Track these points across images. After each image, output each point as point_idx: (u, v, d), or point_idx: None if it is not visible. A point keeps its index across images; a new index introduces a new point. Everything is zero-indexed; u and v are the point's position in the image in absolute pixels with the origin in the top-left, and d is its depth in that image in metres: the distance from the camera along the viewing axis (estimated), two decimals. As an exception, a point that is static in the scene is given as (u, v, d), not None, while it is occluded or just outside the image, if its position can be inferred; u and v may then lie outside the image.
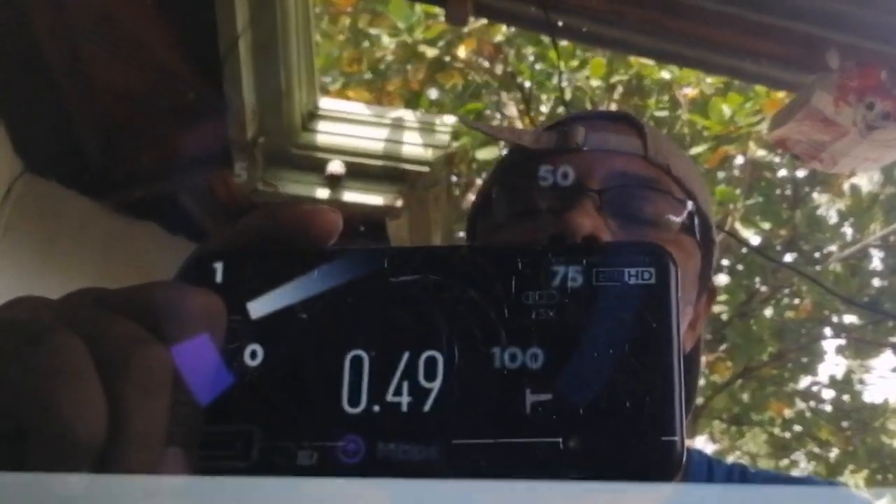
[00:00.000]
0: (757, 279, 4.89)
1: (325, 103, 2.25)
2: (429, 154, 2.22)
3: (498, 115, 4.43)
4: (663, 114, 4.17)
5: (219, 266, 0.27)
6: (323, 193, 2.13)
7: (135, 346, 0.23)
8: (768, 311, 5.00)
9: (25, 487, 0.21)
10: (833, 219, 4.86)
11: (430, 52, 3.89)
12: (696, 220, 0.58)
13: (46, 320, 0.24)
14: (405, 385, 0.25)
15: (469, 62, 4.18)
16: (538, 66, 4.23)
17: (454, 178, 3.94)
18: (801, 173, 4.69)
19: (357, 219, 2.04)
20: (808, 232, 4.73)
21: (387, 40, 4.01)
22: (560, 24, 1.69)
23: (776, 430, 5.46)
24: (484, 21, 3.29)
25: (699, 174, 0.65)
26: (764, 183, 4.57)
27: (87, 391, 0.22)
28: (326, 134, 2.19)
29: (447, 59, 4.05)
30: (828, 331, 4.93)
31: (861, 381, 5.36)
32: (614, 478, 0.23)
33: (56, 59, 1.85)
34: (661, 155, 0.59)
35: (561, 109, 4.08)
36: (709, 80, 3.87)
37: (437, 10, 2.54)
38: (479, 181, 4.15)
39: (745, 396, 5.38)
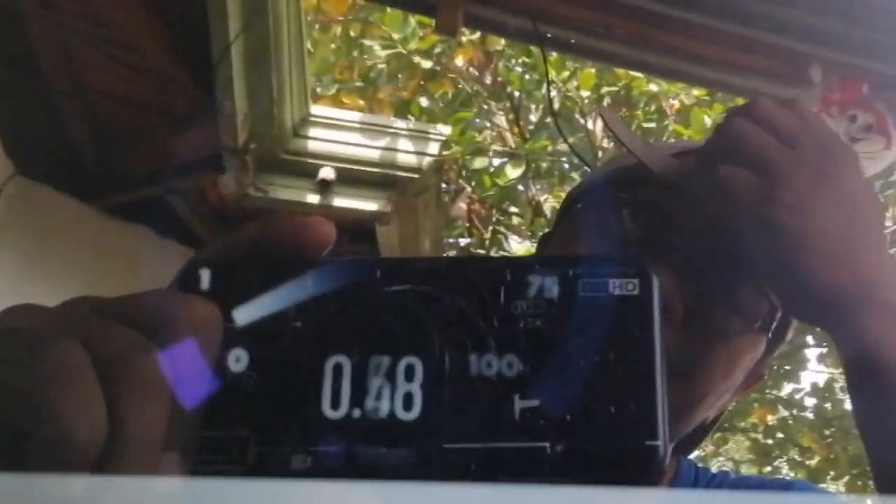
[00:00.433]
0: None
1: (317, 110, 2.26)
2: (419, 161, 2.23)
3: (487, 124, 4.44)
4: (651, 125, 4.20)
5: (209, 274, 0.27)
6: (313, 199, 2.13)
7: (133, 353, 0.24)
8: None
9: (25, 488, 0.21)
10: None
11: (425, 63, 3.90)
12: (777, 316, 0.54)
13: (46, 328, 0.25)
14: (398, 392, 0.25)
15: (459, 71, 4.19)
16: (528, 77, 4.24)
17: (444, 186, 3.94)
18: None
19: (347, 224, 2.05)
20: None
21: (379, 50, 4.02)
22: (549, 35, 1.70)
23: (759, 437, 5.48)
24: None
25: None
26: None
27: (87, 397, 0.23)
28: (317, 140, 2.19)
29: (438, 68, 4.06)
30: (810, 339, 4.95)
31: (843, 390, 5.38)
32: (600, 481, 0.24)
33: (49, 62, 1.85)
34: None
35: (549, 120, 4.09)
36: (694, 91, 3.89)
37: (430, 20, 2.55)
38: (468, 188, 4.16)
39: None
